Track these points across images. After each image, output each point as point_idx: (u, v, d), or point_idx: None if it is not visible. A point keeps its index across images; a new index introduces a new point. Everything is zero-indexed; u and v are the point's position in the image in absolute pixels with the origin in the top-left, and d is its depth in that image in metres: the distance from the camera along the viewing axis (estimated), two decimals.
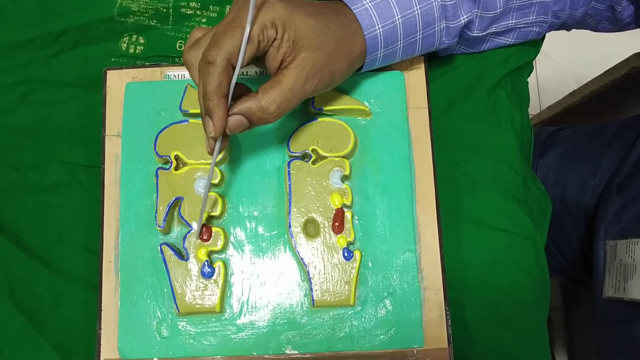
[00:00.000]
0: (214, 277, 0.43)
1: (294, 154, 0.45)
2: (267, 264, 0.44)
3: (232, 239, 0.45)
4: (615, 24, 0.50)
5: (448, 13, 0.42)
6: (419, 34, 0.42)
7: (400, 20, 0.41)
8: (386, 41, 0.41)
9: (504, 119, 0.50)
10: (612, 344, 0.56)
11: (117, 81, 0.48)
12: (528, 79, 0.53)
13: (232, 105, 0.38)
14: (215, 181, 0.44)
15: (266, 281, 0.44)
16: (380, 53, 0.42)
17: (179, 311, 0.43)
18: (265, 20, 0.36)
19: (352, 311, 0.43)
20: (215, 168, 0.44)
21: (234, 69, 0.36)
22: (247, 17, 0.34)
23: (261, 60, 0.39)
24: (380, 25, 0.40)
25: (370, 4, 0.40)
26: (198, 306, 0.42)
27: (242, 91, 0.40)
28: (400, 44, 0.42)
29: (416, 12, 0.41)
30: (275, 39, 0.37)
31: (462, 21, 0.43)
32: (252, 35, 0.36)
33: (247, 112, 0.38)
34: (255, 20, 0.36)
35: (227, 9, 0.53)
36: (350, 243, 0.44)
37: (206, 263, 0.43)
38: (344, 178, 0.45)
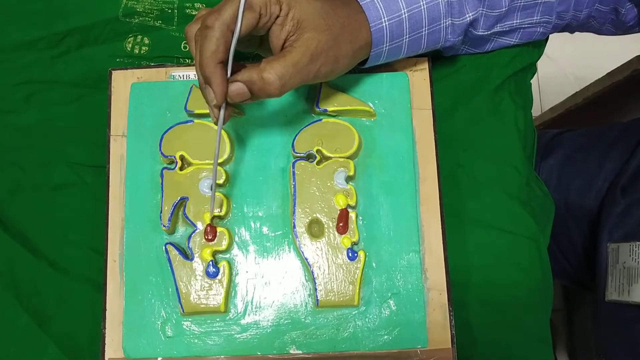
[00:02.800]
0: (219, 277, 0.43)
1: (298, 154, 0.45)
2: (272, 264, 0.44)
3: (236, 239, 0.45)
4: (619, 27, 0.51)
5: (454, 10, 0.43)
6: (425, 30, 0.42)
7: (406, 15, 0.41)
8: (392, 35, 0.41)
9: (507, 121, 0.50)
10: (616, 344, 0.56)
11: (122, 81, 0.48)
12: (531, 81, 0.54)
13: (234, 75, 0.38)
14: (220, 181, 0.45)
15: (270, 281, 0.44)
16: (386, 47, 0.42)
17: (183, 311, 0.43)
18: None
19: (356, 311, 0.43)
20: (220, 168, 0.45)
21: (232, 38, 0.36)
22: None
23: (264, 45, 0.40)
24: (386, 18, 0.41)
25: None
26: (202, 306, 0.43)
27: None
28: (406, 38, 0.42)
29: (422, 8, 0.41)
30: (278, 16, 0.37)
31: (468, 19, 0.44)
32: (254, 4, 0.36)
33: (248, 81, 0.37)
34: None
35: None
36: (354, 243, 0.44)
37: (211, 263, 0.43)
38: (349, 179, 0.45)
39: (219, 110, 0.38)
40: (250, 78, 0.37)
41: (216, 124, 0.39)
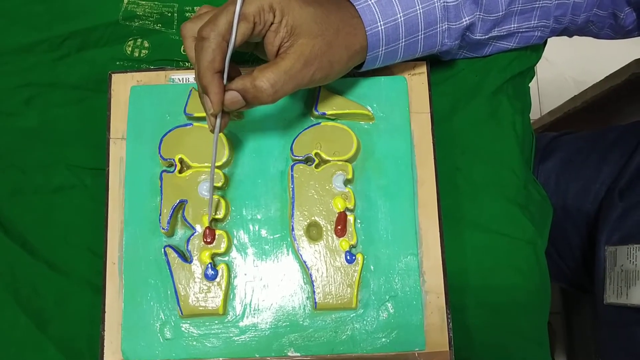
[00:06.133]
0: (217, 279, 0.43)
1: (297, 157, 0.45)
2: (270, 266, 0.44)
3: (235, 241, 0.45)
4: (618, 31, 0.51)
5: (450, 14, 0.43)
6: (421, 34, 0.43)
7: (402, 19, 0.41)
8: (388, 39, 0.42)
9: (505, 124, 0.50)
10: (615, 347, 0.56)
11: (122, 84, 0.48)
12: (529, 84, 0.54)
13: (229, 84, 0.38)
14: (219, 184, 0.45)
15: (269, 284, 0.44)
16: (382, 51, 0.42)
17: (182, 313, 0.43)
18: (263, 3, 0.37)
19: (354, 314, 0.43)
20: (219, 171, 0.45)
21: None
22: None
23: (260, 47, 0.40)
24: (382, 22, 0.41)
25: (372, 1, 0.41)
26: (201, 308, 0.43)
27: (238, 75, 0.40)
28: (402, 42, 0.42)
29: (418, 12, 0.41)
30: (272, 23, 0.38)
31: (464, 23, 0.44)
32: (247, 14, 0.36)
33: (241, 89, 0.38)
34: (253, 1, 0.37)
35: None
36: (352, 246, 0.44)
37: (209, 265, 0.43)
38: (347, 182, 0.45)
39: (216, 118, 0.39)
40: (243, 86, 0.38)
41: (212, 131, 0.40)
